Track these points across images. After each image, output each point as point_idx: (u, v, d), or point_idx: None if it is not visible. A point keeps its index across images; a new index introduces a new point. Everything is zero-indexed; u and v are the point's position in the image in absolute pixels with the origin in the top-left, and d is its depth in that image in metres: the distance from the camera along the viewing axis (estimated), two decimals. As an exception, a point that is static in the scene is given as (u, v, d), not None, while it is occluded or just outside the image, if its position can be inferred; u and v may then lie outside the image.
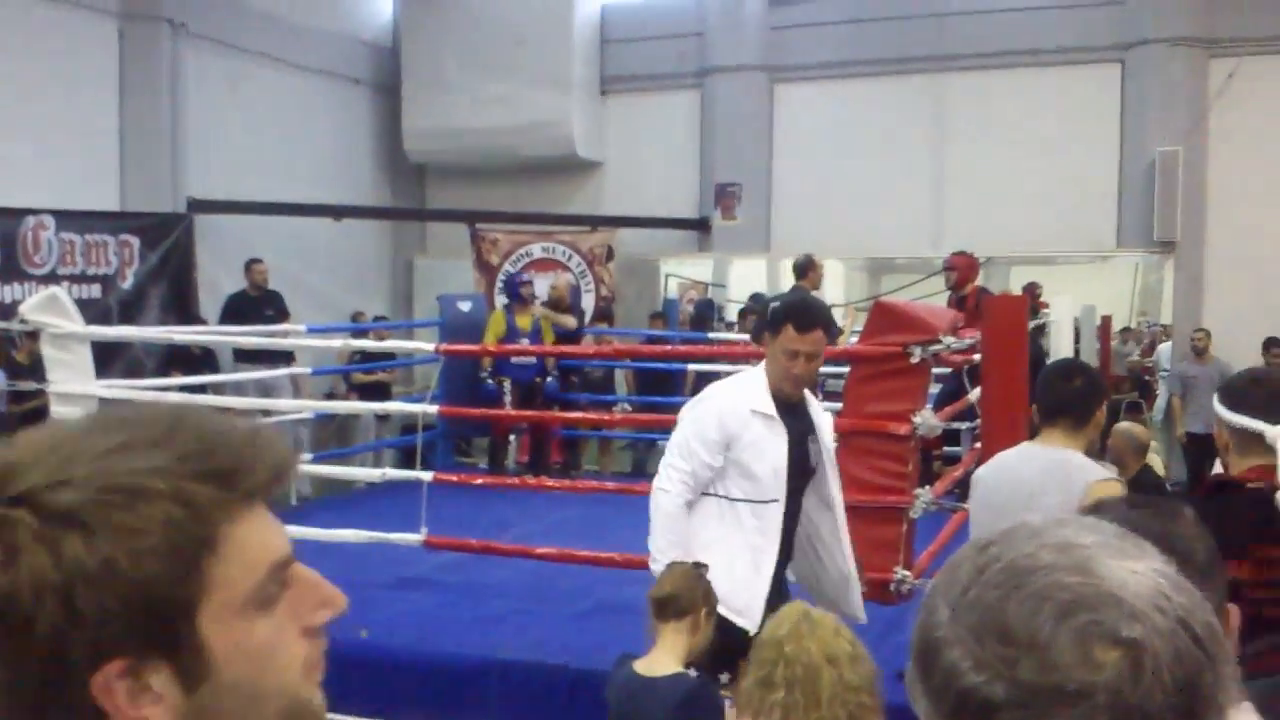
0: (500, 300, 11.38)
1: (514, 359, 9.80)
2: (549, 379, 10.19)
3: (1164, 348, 12.30)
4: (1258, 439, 2.91)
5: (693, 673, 3.42)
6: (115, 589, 0.79)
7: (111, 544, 0.79)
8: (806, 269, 9.23)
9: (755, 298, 12.57)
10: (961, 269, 9.12)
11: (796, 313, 4.08)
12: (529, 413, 9.94)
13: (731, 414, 4.05)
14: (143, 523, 0.80)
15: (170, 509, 0.81)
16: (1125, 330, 12.07)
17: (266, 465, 0.87)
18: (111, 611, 0.79)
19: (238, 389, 9.67)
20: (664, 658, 3.45)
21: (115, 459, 0.82)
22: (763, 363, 4.17)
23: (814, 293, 8.87)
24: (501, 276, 12.41)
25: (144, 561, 0.79)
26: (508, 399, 9.86)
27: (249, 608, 0.84)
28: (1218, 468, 3.66)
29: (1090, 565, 0.82)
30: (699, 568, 3.69)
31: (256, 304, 10.63)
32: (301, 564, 0.90)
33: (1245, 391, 2.98)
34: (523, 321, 10.16)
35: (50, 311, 6.35)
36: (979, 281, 9.66)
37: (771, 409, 4.07)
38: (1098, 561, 0.83)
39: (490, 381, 9.80)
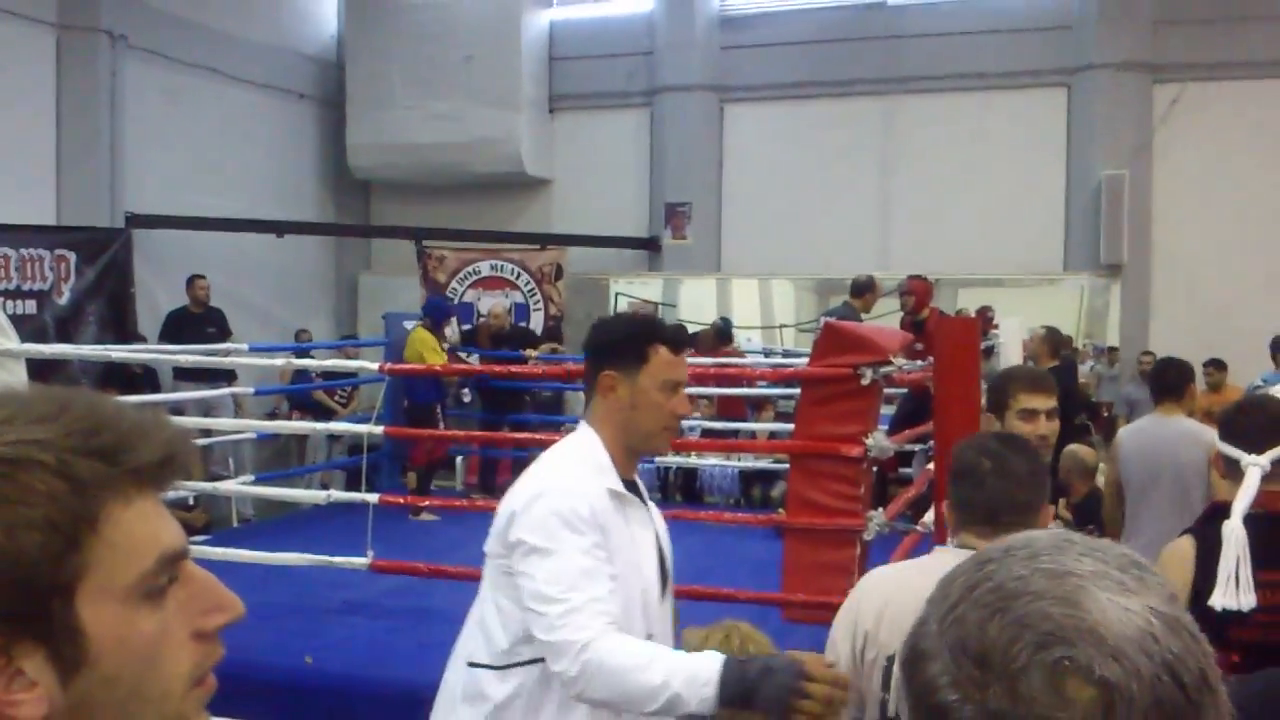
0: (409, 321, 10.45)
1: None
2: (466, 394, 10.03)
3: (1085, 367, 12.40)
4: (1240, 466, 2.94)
5: None
6: None
7: None
8: (865, 290, 8.87)
9: (724, 321, 12.56)
10: (920, 293, 9.13)
11: (668, 330, 2.76)
12: (477, 433, 9.81)
13: (597, 498, 2.53)
14: (21, 494, 0.77)
15: (51, 481, 0.78)
16: (1079, 353, 12.18)
17: (155, 445, 0.83)
18: None
19: (178, 408, 9.46)
20: None
21: None
22: (585, 423, 2.71)
23: (865, 317, 8.69)
24: (433, 297, 11.98)
25: (20, 534, 0.76)
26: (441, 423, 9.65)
27: (133, 597, 0.80)
28: None
29: (1078, 597, 0.79)
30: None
31: (198, 321, 10.43)
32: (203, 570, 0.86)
33: (1232, 419, 3.06)
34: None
35: (-17, 328, 6.16)
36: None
37: (621, 485, 2.64)
38: (1088, 593, 0.79)
39: (466, 397, 9.54)
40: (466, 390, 9.88)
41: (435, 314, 9.88)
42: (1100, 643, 0.77)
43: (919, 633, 0.85)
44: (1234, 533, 2.75)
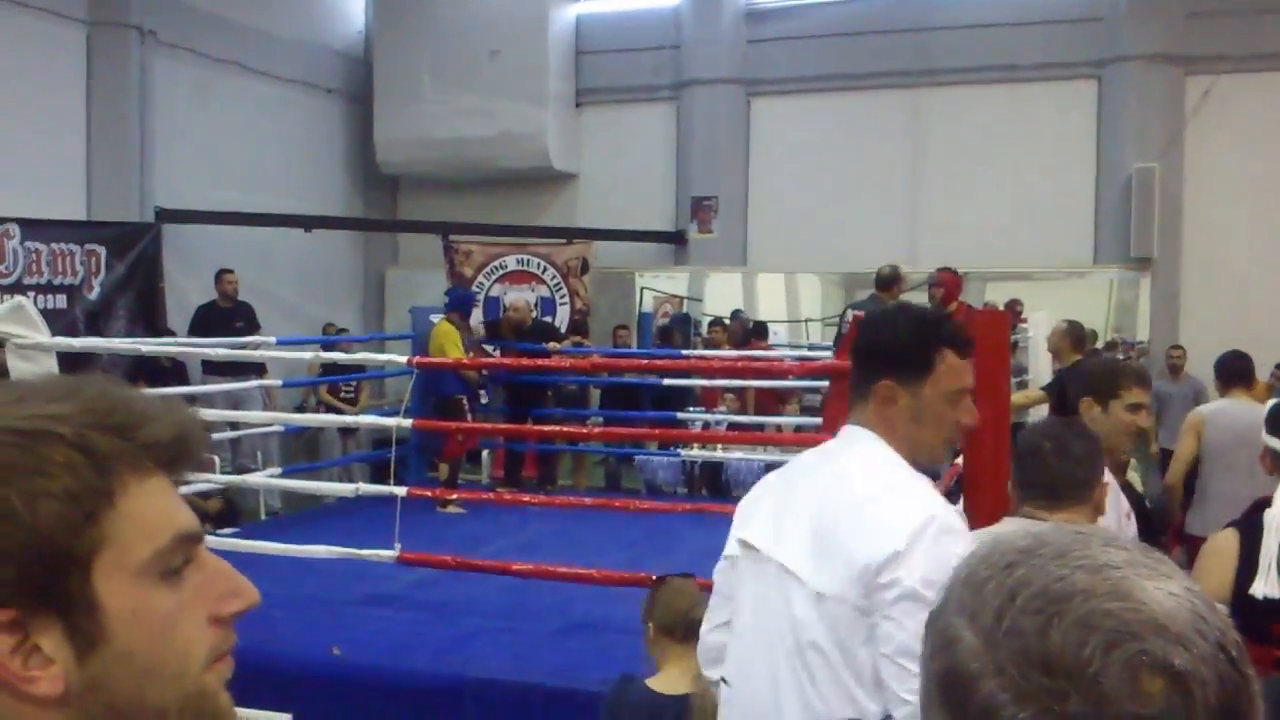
0: (435, 315, 10.47)
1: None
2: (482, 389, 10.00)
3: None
4: None
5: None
6: (8, 532, 0.75)
7: (5, 485, 0.76)
8: (892, 282, 8.78)
9: (736, 314, 12.54)
10: (949, 286, 9.06)
11: (954, 331, 2.44)
12: (503, 426, 9.82)
13: None
14: (40, 464, 0.77)
15: (69, 453, 0.78)
16: (1109, 344, 12.08)
17: (168, 425, 0.83)
18: (3, 554, 0.75)
19: (206, 401, 9.51)
20: (682, 677, 3.39)
21: (13, 407, 0.80)
22: (873, 434, 2.33)
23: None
24: (456, 288, 11.94)
25: (39, 505, 0.76)
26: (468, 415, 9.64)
27: (148, 574, 0.81)
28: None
29: (1127, 588, 0.79)
30: (689, 577, 3.63)
31: (226, 315, 10.48)
32: (217, 556, 0.87)
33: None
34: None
35: (15, 322, 6.20)
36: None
37: None
38: (1134, 584, 0.79)
39: (483, 398, 9.48)
40: (484, 391, 9.81)
41: (461, 306, 9.89)
42: (1165, 632, 0.77)
43: (955, 651, 0.82)
44: (1275, 520, 2.71)
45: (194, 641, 0.83)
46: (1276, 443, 3.01)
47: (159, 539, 0.81)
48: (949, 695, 0.81)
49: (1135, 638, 0.76)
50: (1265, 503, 3.00)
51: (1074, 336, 7.84)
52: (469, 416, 9.40)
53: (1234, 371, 6.08)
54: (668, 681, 3.44)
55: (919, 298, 10.35)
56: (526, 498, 7.76)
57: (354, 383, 11.45)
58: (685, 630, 3.43)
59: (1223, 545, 2.96)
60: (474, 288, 12.63)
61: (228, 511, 9.37)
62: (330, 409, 11.05)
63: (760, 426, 10.40)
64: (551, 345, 10.48)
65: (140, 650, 0.80)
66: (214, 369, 9.91)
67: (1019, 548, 0.85)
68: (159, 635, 0.81)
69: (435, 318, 9.96)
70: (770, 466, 11.01)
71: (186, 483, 0.88)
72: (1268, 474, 3.14)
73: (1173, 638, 0.76)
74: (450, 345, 9.28)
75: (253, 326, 10.47)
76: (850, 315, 8.52)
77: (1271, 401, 3.58)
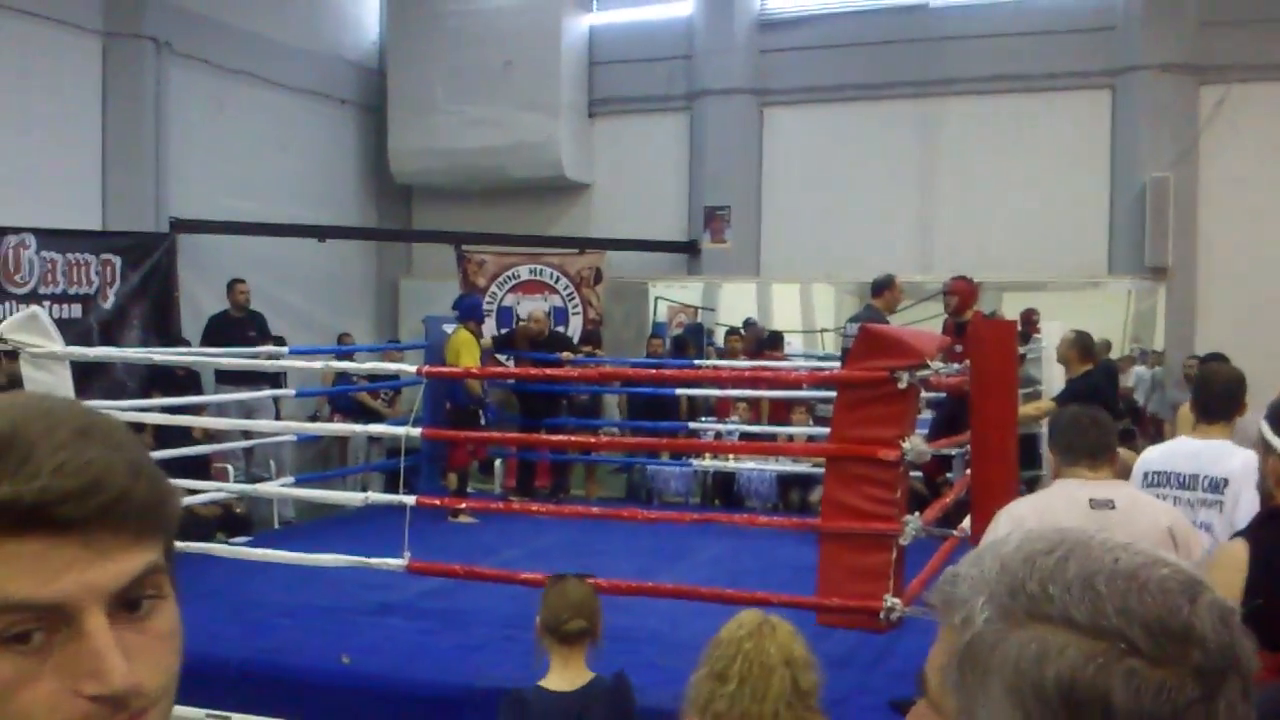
0: (448, 325, 10.42)
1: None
2: (487, 403, 10.00)
3: (1138, 370, 12.27)
4: None
5: (602, 674, 3.64)
6: None
7: None
8: (884, 288, 8.77)
9: (749, 322, 12.54)
10: (963, 294, 9.04)
11: None
12: (514, 435, 9.84)
13: None
14: None
15: None
16: (1124, 358, 12.05)
17: (30, 485, 0.79)
18: None
19: (220, 410, 9.56)
20: (577, 670, 3.63)
21: None
22: None
23: (888, 315, 8.66)
24: (466, 296, 11.88)
25: None
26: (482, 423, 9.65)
27: None
28: None
29: (1157, 557, 0.85)
30: (585, 578, 3.85)
31: (239, 325, 10.53)
32: (103, 628, 0.81)
33: None
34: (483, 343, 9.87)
35: (30, 331, 6.24)
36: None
37: None
38: (1157, 556, 0.85)
39: (490, 403, 9.51)
40: (487, 401, 9.78)
41: (475, 314, 9.92)
42: (1205, 583, 0.84)
43: (1056, 659, 0.80)
44: None
45: (37, 711, 0.80)
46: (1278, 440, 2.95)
47: None
48: (1070, 703, 0.80)
49: (1198, 587, 0.82)
50: (1273, 511, 2.97)
51: (1081, 347, 7.83)
52: (484, 426, 9.42)
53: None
54: (556, 680, 3.61)
55: (934, 307, 10.36)
56: (535, 507, 7.77)
57: (390, 390, 11.52)
58: (560, 636, 3.65)
59: (1231, 557, 2.94)
60: (487, 297, 12.66)
61: (242, 519, 9.41)
62: (368, 410, 11.10)
63: (773, 436, 10.40)
64: (565, 355, 10.49)
65: None
66: (227, 378, 9.95)
67: (1050, 542, 0.87)
68: None
69: (449, 327, 9.99)
70: (782, 477, 11.05)
71: (145, 528, 0.84)
72: (1273, 481, 3.05)
73: (1211, 587, 0.83)
74: (467, 354, 9.31)
75: (265, 336, 10.52)
76: (848, 326, 8.52)
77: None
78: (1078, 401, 7.30)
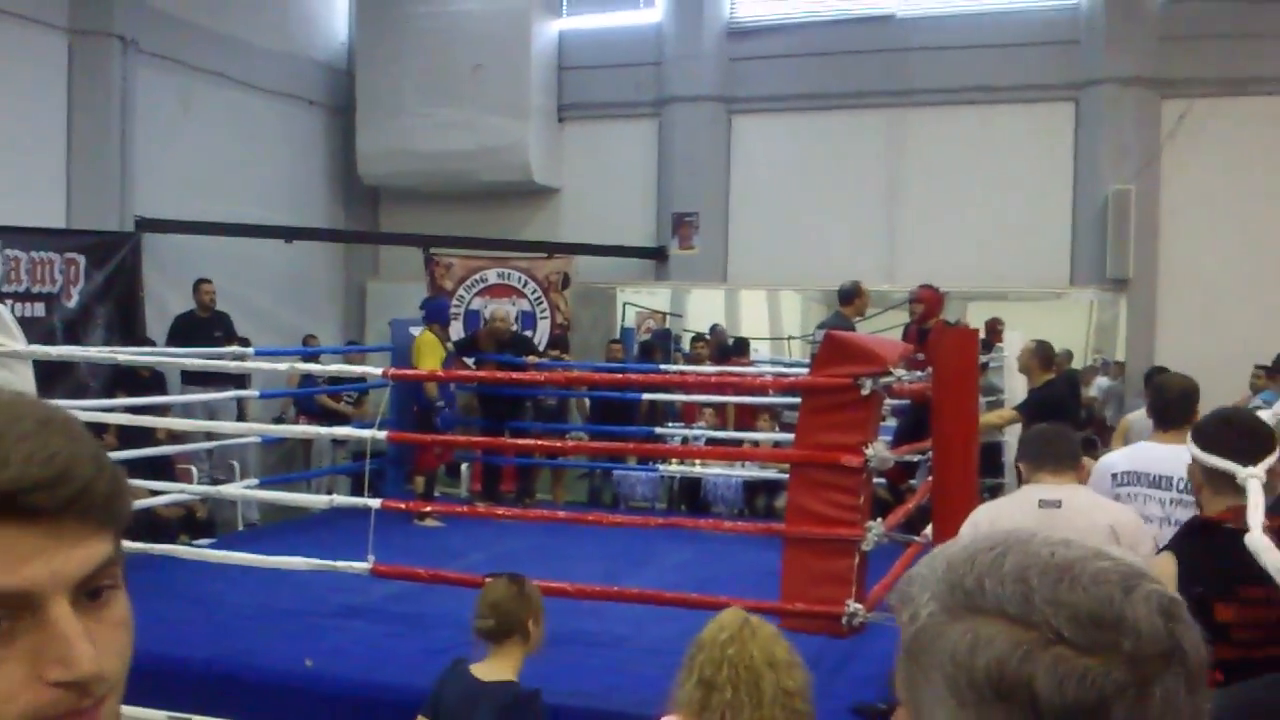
0: (415, 327, 10.31)
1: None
2: (443, 408, 9.94)
3: (1099, 381, 12.41)
4: (1230, 479, 2.91)
5: (521, 684, 3.73)
6: None
7: None
8: (852, 296, 8.84)
9: (714, 329, 12.60)
10: (929, 303, 9.14)
11: None
12: (479, 439, 9.84)
13: None
14: None
15: None
16: (1087, 369, 12.18)
17: (7, 479, 0.80)
18: None
19: (185, 411, 9.51)
20: (500, 666, 3.74)
21: None
22: None
23: (856, 321, 8.71)
24: (432, 298, 11.55)
25: None
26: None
27: None
28: None
29: (1101, 551, 0.86)
30: (516, 580, 3.89)
31: (204, 325, 10.49)
32: (69, 615, 0.82)
33: (1217, 432, 2.99)
34: (448, 346, 9.78)
35: (-10, 329, 6.19)
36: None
37: None
38: (1096, 550, 0.87)
39: (447, 410, 9.39)
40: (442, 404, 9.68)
41: (440, 317, 9.88)
42: (1148, 575, 0.85)
43: (988, 647, 0.83)
44: (1261, 541, 2.70)
45: (2, 697, 0.80)
46: (1218, 461, 2.97)
47: None
48: (998, 687, 0.82)
49: (1138, 578, 0.83)
50: (1201, 524, 3.01)
51: (1042, 356, 7.93)
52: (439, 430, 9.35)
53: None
54: (485, 669, 3.74)
55: (899, 315, 10.44)
56: (501, 511, 7.78)
57: (355, 392, 11.48)
58: (475, 631, 3.77)
59: (1161, 570, 2.98)
60: (454, 301, 12.65)
61: (205, 522, 9.36)
62: (331, 413, 11.04)
63: (739, 442, 10.45)
64: (530, 359, 10.49)
65: None
66: (193, 379, 9.90)
67: (991, 542, 0.89)
68: None
69: (415, 330, 9.97)
70: (748, 483, 11.08)
71: (103, 520, 0.85)
72: (1202, 492, 3.08)
73: (1154, 579, 0.85)
74: (430, 356, 9.29)
75: (230, 336, 10.47)
76: (816, 333, 8.58)
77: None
78: (1041, 409, 7.43)
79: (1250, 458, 2.91)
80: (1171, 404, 4.65)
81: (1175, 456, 4.36)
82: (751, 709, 2.83)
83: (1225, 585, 2.74)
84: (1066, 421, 5.26)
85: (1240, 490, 2.89)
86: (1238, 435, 2.99)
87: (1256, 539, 2.69)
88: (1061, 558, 0.86)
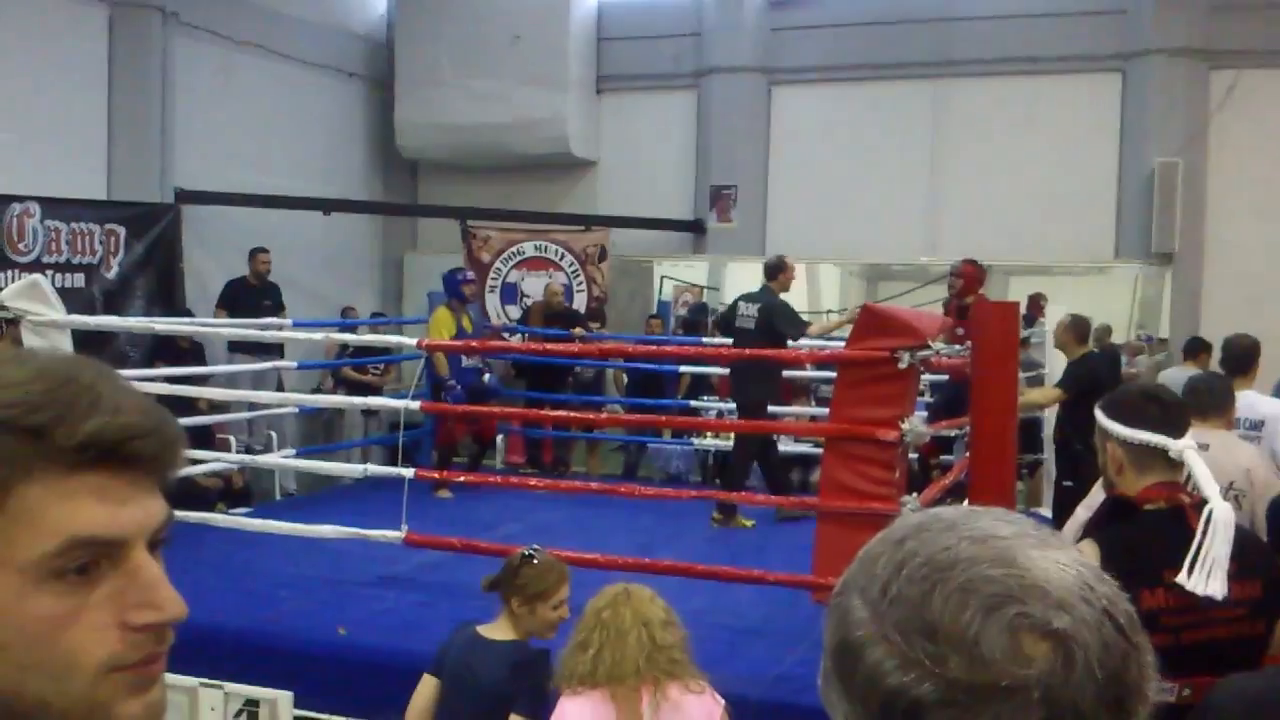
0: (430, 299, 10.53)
1: (463, 361, 9.33)
2: (489, 376, 9.92)
3: (1140, 359, 12.24)
4: (1159, 455, 2.75)
5: (530, 644, 3.77)
6: None
7: None
8: (778, 270, 8.72)
9: (696, 308, 12.58)
10: (969, 278, 9.00)
11: None
12: (514, 410, 9.85)
13: None
14: None
15: None
16: (1130, 344, 12.02)
17: (108, 424, 0.82)
18: None
19: (230, 380, 9.59)
20: (507, 627, 3.78)
21: None
22: None
23: (782, 296, 8.63)
24: (450, 271, 11.72)
25: None
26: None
27: (31, 574, 0.80)
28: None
29: (1012, 556, 0.80)
30: (524, 558, 3.87)
31: (255, 294, 10.58)
32: (151, 561, 0.84)
33: (1141, 408, 2.80)
34: (465, 321, 9.70)
35: (31, 299, 6.26)
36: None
37: None
38: (1019, 552, 0.81)
39: (459, 389, 9.18)
40: (488, 375, 9.69)
41: (455, 291, 9.70)
42: (1046, 596, 0.78)
43: (846, 622, 0.84)
44: (1222, 515, 2.60)
45: (86, 644, 0.81)
46: (1148, 436, 2.74)
47: (48, 542, 0.80)
48: (840, 663, 0.83)
49: (1015, 601, 0.77)
50: (1119, 503, 2.83)
51: (1077, 330, 7.83)
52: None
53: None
54: (493, 629, 3.80)
55: (938, 290, 10.32)
56: (534, 481, 7.77)
57: (382, 365, 11.52)
58: (527, 594, 3.76)
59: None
60: (491, 273, 12.66)
61: (242, 492, 9.43)
62: (353, 385, 11.08)
63: (774, 416, 10.39)
64: (577, 331, 10.51)
65: (15, 645, 0.79)
66: (239, 347, 9.97)
67: (913, 523, 0.87)
68: (38, 634, 0.80)
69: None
70: (782, 456, 10.92)
71: (165, 477, 0.87)
72: (1121, 471, 2.89)
73: (1054, 602, 0.78)
74: (441, 331, 9.25)
75: (279, 306, 10.54)
76: (746, 308, 8.55)
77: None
78: (1080, 384, 7.34)
79: (1178, 430, 2.76)
80: (1237, 357, 6.00)
81: (1241, 400, 5.36)
82: (613, 664, 3.13)
83: (1152, 571, 2.61)
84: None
85: (1170, 466, 2.76)
86: (1161, 408, 2.81)
87: (1222, 509, 2.58)
88: (949, 558, 0.81)
